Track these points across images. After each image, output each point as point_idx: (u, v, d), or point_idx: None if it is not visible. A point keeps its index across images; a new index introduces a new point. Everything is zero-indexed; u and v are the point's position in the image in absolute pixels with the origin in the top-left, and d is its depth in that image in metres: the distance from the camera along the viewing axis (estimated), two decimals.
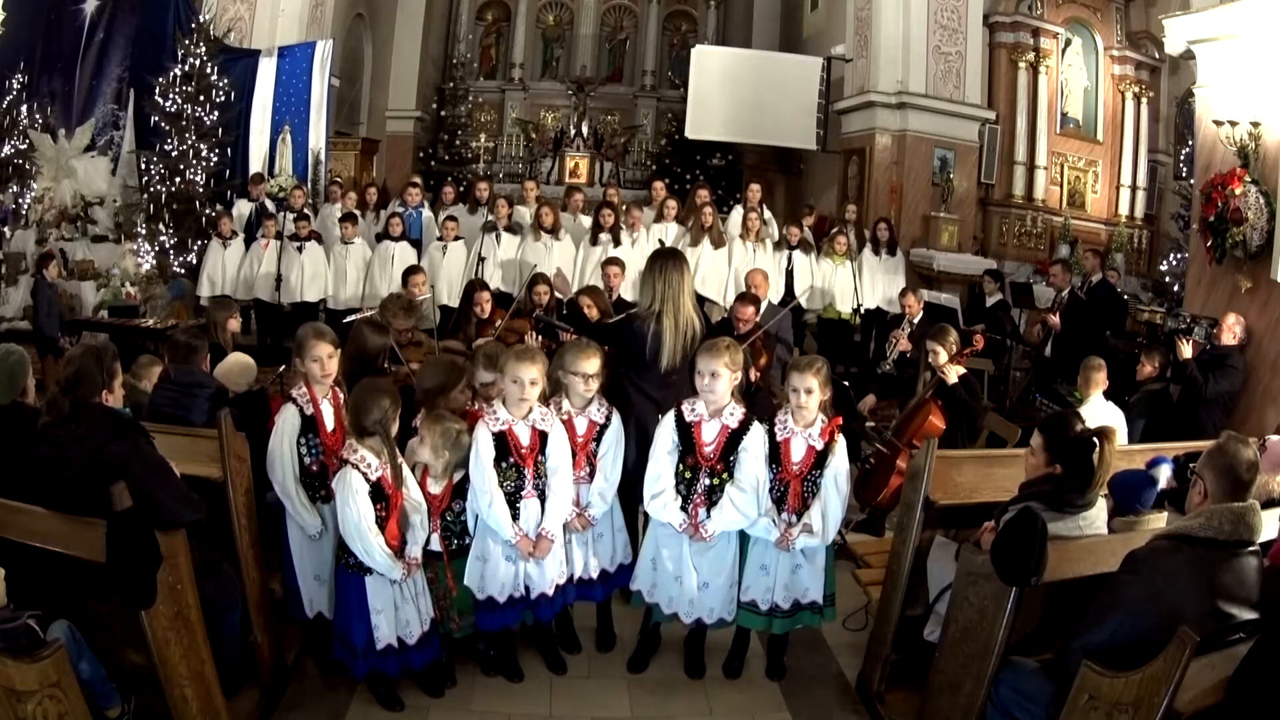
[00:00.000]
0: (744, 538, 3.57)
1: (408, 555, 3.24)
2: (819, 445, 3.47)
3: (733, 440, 3.43)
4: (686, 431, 3.47)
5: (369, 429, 3.15)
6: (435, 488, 3.38)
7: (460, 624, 3.48)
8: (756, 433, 3.46)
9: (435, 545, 3.39)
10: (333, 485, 3.24)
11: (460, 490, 3.41)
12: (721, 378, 3.38)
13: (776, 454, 3.50)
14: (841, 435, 3.55)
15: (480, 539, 3.42)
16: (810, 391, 3.43)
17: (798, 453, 3.48)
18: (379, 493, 3.14)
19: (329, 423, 3.47)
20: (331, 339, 3.50)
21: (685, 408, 3.50)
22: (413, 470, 3.34)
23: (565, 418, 3.53)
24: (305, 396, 3.45)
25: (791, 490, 3.48)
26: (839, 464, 3.49)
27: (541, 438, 3.40)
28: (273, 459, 3.37)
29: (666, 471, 3.48)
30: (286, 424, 3.39)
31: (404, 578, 3.21)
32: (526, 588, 3.45)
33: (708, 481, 3.45)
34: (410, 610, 3.29)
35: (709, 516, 3.43)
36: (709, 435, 3.45)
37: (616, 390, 3.88)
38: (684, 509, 3.46)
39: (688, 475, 3.48)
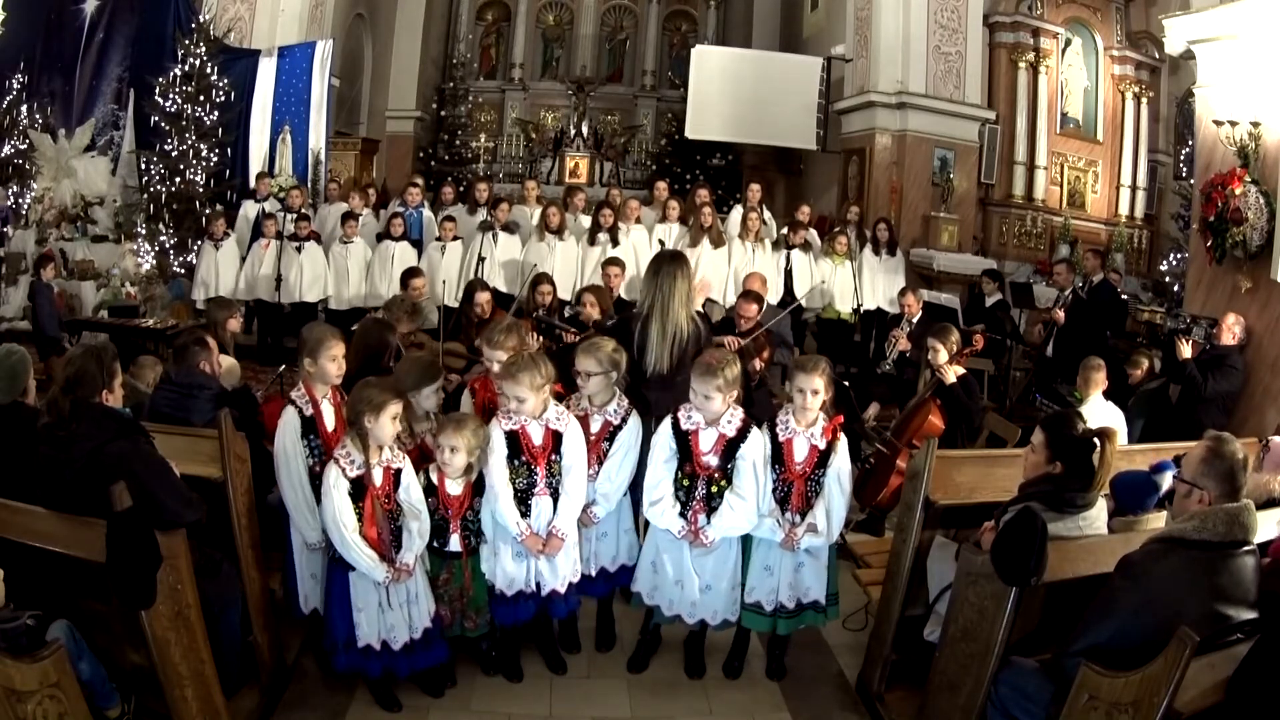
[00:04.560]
0: (747, 539, 3.56)
1: (399, 561, 3.18)
2: (821, 445, 3.46)
3: (730, 448, 3.41)
4: (684, 440, 3.45)
5: (350, 421, 3.17)
6: (455, 489, 3.35)
7: (477, 622, 3.46)
8: (755, 439, 3.44)
9: (455, 545, 3.37)
10: None
11: (479, 488, 3.39)
12: (714, 399, 3.37)
13: (779, 454, 3.49)
14: (843, 434, 3.55)
15: (491, 533, 3.42)
16: (816, 392, 3.42)
17: (800, 453, 3.47)
18: (360, 490, 3.12)
19: (329, 423, 3.45)
20: (342, 337, 3.53)
21: (682, 415, 3.48)
22: (419, 474, 3.32)
23: (581, 414, 3.53)
24: (304, 397, 3.44)
25: (795, 490, 3.47)
26: (841, 462, 3.49)
27: (555, 437, 3.39)
28: (277, 463, 3.36)
29: (665, 479, 3.46)
30: (288, 427, 3.37)
31: (388, 580, 3.15)
32: (538, 584, 3.45)
33: (706, 489, 3.43)
34: (396, 616, 3.21)
35: (709, 523, 3.41)
36: (706, 444, 3.43)
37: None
38: (683, 515, 3.44)
39: (686, 483, 3.46)
